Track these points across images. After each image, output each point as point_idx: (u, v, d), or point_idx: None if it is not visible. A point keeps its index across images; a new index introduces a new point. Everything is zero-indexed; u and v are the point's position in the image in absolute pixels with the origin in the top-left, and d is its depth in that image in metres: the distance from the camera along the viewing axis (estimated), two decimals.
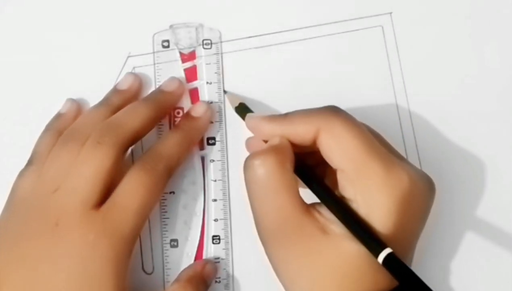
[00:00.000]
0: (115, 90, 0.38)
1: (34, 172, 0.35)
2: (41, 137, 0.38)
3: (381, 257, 0.30)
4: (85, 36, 0.40)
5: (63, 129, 0.37)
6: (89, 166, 0.33)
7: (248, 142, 0.37)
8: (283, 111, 0.34)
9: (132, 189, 0.34)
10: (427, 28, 0.40)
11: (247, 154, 0.34)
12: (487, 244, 0.38)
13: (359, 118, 0.33)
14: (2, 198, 0.36)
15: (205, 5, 0.40)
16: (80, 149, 0.34)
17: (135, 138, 0.36)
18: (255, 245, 0.34)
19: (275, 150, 0.33)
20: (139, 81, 0.39)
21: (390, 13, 0.40)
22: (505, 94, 0.39)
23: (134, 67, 0.39)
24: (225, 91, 0.39)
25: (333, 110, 0.33)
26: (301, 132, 0.33)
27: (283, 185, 0.32)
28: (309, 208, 0.33)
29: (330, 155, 0.32)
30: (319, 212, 0.32)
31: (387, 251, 0.30)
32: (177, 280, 0.37)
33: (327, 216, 0.32)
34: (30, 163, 0.37)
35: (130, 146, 0.35)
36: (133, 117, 0.35)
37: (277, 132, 0.34)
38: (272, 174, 0.32)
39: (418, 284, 0.30)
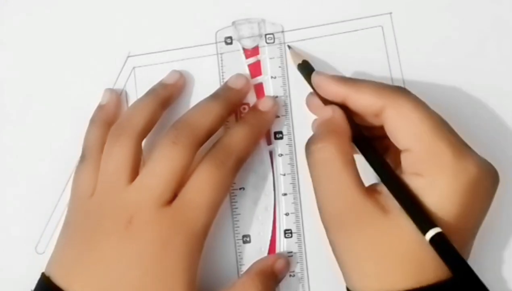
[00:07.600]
0: (161, 83, 0.38)
1: (90, 165, 0.36)
2: (88, 131, 0.38)
3: (429, 235, 0.29)
4: (85, 36, 0.40)
5: (107, 119, 0.38)
6: (164, 165, 0.34)
7: (309, 98, 0.37)
8: None
9: (203, 185, 0.34)
10: (427, 28, 0.39)
11: None
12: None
13: None
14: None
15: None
16: (132, 142, 0.35)
17: (207, 137, 0.36)
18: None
19: (335, 133, 0.33)
20: (184, 79, 0.39)
21: (390, 13, 0.39)
22: (505, 94, 0.38)
23: (134, 67, 0.40)
24: (289, 47, 0.39)
25: (403, 90, 0.33)
26: (366, 103, 0.33)
27: (344, 168, 0.32)
28: (368, 189, 0.32)
29: (396, 134, 0.32)
30: (378, 192, 0.32)
31: (436, 230, 0.29)
32: (246, 272, 0.37)
33: (386, 194, 0.32)
34: (83, 157, 0.37)
35: (202, 144, 0.36)
36: (206, 116, 0.36)
37: (342, 95, 0.34)
38: (333, 158, 0.32)
39: (465, 267, 0.29)
